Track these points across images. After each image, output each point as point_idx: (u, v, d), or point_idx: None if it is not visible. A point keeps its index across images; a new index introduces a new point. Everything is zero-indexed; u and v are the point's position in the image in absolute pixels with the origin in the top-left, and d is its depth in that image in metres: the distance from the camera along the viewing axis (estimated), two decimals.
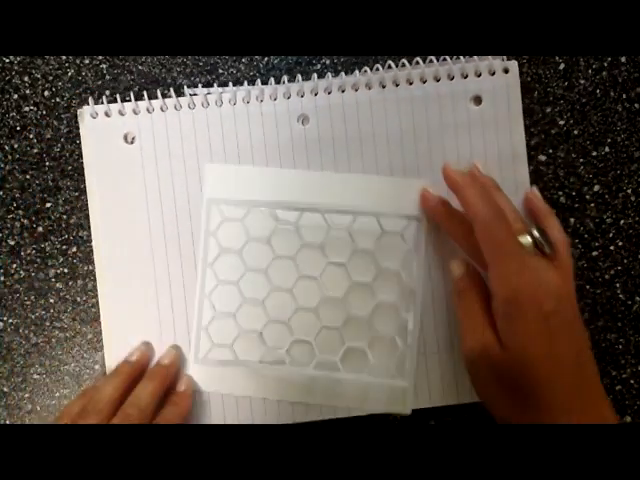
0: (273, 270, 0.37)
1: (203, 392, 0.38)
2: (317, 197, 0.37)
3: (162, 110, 0.38)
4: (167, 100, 0.38)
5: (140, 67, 0.39)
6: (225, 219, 0.37)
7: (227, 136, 0.38)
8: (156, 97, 0.38)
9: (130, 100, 0.37)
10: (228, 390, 0.37)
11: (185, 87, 0.38)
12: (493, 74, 0.38)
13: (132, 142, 0.38)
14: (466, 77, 0.38)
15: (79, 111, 0.38)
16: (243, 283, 0.37)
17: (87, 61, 0.39)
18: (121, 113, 0.38)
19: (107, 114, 0.38)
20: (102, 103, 0.38)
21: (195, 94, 0.38)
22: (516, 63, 0.38)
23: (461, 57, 0.38)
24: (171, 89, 0.38)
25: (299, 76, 0.38)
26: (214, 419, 0.37)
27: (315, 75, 0.38)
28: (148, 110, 0.38)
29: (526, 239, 0.32)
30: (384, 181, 0.38)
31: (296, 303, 0.37)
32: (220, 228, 0.37)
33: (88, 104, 0.38)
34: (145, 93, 0.38)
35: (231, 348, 0.37)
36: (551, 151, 0.40)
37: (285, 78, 0.38)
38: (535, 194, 0.37)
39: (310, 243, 0.37)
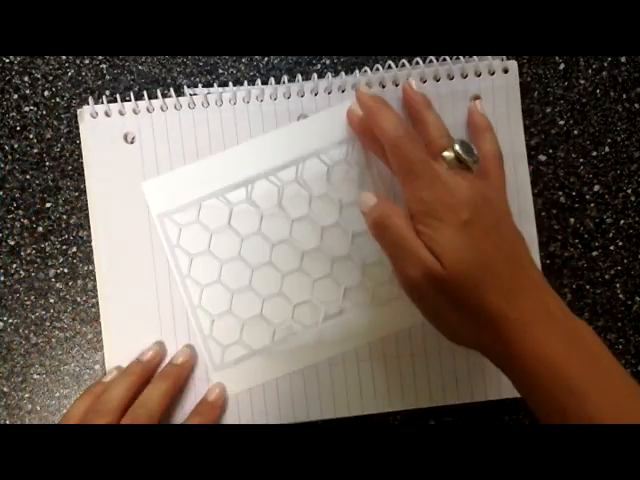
0: (246, 251, 0.37)
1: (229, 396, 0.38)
2: (256, 165, 0.37)
3: (162, 110, 0.38)
4: (167, 100, 0.38)
5: (140, 67, 0.39)
6: (181, 226, 0.37)
7: (227, 136, 0.38)
8: (156, 97, 0.38)
9: (130, 100, 0.37)
10: (254, 382, 0.38)
11: (185, 87, 0.38)
12: (492, 74, 0.38)
13: (132, 142, 0.38)
14: (466, 77, 0.38)
15: (79, 111, 0.38)
16: (224, 277, 0.37)
17: (87, 61, 0.39)
18: (121, 113, 0.38)
19: (107, 114, 0.38)
20: (102, 103, 0.38)
21: (195, 94, 0.38)
22: (515, 63, 0.38)
23: (461, 57, 0.38)
24: (171, 89, 0.38)
25: (299, 76, 0.38)
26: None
27: (315, 75, 0.38)
28: (148, 110, 0.38)
29: (449, 154, 0.32)
30: (310, 121, 0.38)
31: (280, 271, 0.37)
32: (180, 237, 0.37)
33: (88, 104, 0.38)
34: (145, 93, 0.38)
35: (241, 342, 0.37)
36: (551, 151, 0.40)
37: (285, 78, 0.38)
38: (476, 105, 0.37)
39: (268, 210, 0.37)
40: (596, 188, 0.40)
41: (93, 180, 0.38)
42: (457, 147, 0.32)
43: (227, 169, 0.37)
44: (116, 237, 0.37)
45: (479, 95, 0.38)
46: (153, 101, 0.38)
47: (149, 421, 0.33)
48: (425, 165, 0.31)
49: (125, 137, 0.38)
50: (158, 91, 0.38)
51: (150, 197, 0.37)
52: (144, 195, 0.37)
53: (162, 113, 0.38)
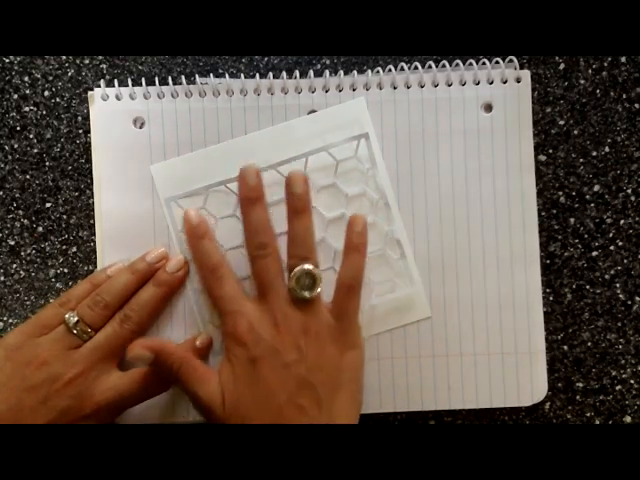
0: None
1: None
2: (265, 156, 0.37)
3: (173, 97, 0.38)
4: (178, 87, 0.38)
5: (140, 67, 0.39)
6: None
7: (236, 126, 0.38)
8: (167, 83, 0.37)
9: (141, 85, 0.38)
10: None
11: (197, 75, 0.38)
12: (505, 82, 0.38)
13: (141, 127, 0.38)
14: (478, 84, 0.38)
15: (90, 93, 0.38)
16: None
17: (87, 61, 0.39)
18: (132, 97, 0.38)
19: (118, 97, 0.38)
20: (113, 86, 0.38)
21: (206, 83, 0.38)
22: (529, 73, 0.38)
23: (473, 63, 0.38)
24: (182, 77, 0.38)
25: (298, 76, 0.38)
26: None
27: (327, 72, 0.38)
28: (159, 96, 0.38)
29: (292, 275, 0.33)
30: (320, 115, 0.38)
31: (284, 261, 0.37)
32: None
33: (99, 87, 0.38)
34: (157, 79, 0.38)
35: None
36: (551, 151, 0.40)
37: (297, 73, 0.38)
38: (355, 220, 0.34)
39: (274, 201, 0.37)
40: (596, 188, 0.40)
41: (100, 163, 0.38)
42: (293, 279, 0.33)
43: (235, 158, 0.37)
44: (119, 220, 0.37)
45: (490, 102, 0.38)
46: (164, 87, 0.38)
47: (137, 327, 0.35)
48: (233, 302, 0.34)
49: (134, 122, 0.38)
50: (169, 78, 0.38)
51: (159, 180, 0.37)
52: (151, 179, 0.37)
53: (172, 100, 0.38)
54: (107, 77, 0.39)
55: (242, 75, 0.38)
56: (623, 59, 0.40)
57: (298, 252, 0.33)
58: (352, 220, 0.34)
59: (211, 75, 0.38)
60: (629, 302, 0.40)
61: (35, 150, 0.39)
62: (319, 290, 0.33)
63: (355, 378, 0.34)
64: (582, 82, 0.40)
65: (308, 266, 0.33)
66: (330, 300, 0.34)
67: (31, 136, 0.39)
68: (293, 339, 0.32)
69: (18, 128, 0.39)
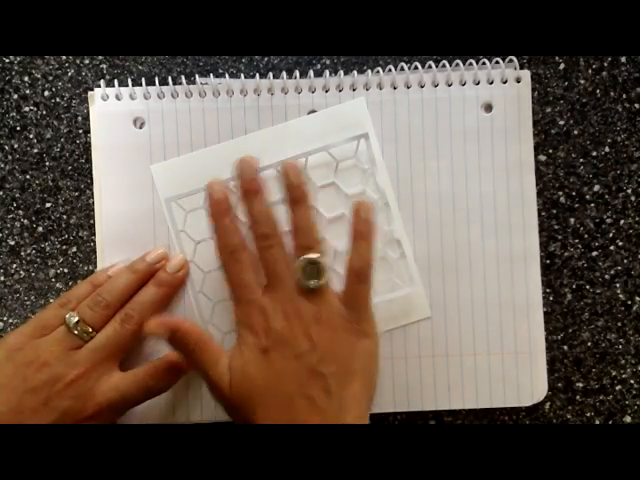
0: (250, 240, 0.37)
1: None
2: (265, 156, 0.37)
3: (173, 97, 0.38)
4: (178, 87, 0.38)
5: (140, 67, 0.39)
6: (188, 212, 0.37)
7: (236, 126, 0.38)
8: (167, 84, 0.37)
9: (141, 85, 0.38)
10: None
11: (197, 76, 0.38)
12: (505, 82, 0.38)
13: (141, 127, 0.38)
14: (478, 84, 0.38)
15: (90, 93, 0.38)
16: None
17: (87, 61, 0.39)
18: (132, 97, 0.38)
19: (118, 97, 0.38)
20: (113, 86, 0.38)
21: (206, 83, 0.38)
22: (528, 73, 0.38)
23: (473, 63, 0.38)
24: (182, 77, 0.38)
25: (298, 76, 0.38)
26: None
27: (327, 72, 0.38)
28: (159, 96, 0.38)
29: (297, 266, 0.32)
30: (320, 115, 0.38)
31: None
32: (186, 222, 0.37)
33: (99, 86, 0.38)
34: (157, 79, 0.38)
35: None
36: (551, 151, 0.40)
37: (297, 73, 0.38)
38: (361, 207, 0.34)
39: (274, 201, 0.37)
40: (596, 188, 0.40)
41: (100, 161, 0.38)
42: (298, 270, 0.32)
43: (236, 158, 0.37)
44: (119, 220, 0.37)
45: (490, 102, 0.38)
46: (164, 87, 0.38)
47: (138, 327, 0.34)
48: (249, 291, 0.33)
49: (135, 122, 0.38)
50: (169, 78, 0.38)
51: (158, 180, 0.37)
52: (152, 179, 0.37)
53: (173, 100, 0.38)
54: (107, 77, 0.39)
55: (242, 75, 0.38)
56: (623, 59, 0.40)
57: (301, 242, 0.33)
58: (357, 207, 0.34)
59: (211, 75, 0.38)
60: (629, 302, 0.40)
61: (35, 150, 0.39)
62: (326, 279, 0.32)
63: (368, 367, 0.33)
64: (582, 82, 0.40)
65: (312, 255, 0.32)
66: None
67: (31, 136, 0.39)
68: (304, 329, 0.32)
69: (18, 128, 0.39)
